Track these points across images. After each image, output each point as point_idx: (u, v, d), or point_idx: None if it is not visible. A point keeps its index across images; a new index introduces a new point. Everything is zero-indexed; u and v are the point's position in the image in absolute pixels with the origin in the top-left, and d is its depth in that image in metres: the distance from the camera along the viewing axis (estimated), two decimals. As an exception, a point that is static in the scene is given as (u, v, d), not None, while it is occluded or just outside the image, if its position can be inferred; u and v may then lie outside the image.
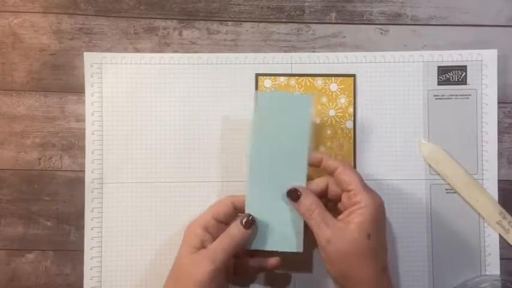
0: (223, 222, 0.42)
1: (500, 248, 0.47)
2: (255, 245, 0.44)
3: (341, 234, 0.38)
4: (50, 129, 0.48)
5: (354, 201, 0.40)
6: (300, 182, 0.43)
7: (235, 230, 0.41)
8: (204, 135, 0.48)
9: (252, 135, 0.43)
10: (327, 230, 0.39)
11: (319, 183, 0.43)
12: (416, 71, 0.48)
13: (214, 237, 0.41)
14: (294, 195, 0.41)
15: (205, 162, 0.48)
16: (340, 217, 0.40)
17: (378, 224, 0.40)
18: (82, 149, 0.48)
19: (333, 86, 0.48)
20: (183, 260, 0.40)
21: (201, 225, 0.41)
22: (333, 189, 0.42)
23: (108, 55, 0.48)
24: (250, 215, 0.42)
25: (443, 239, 0.48)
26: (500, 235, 0.47)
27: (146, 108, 0.48)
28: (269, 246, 0.44)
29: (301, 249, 0.43)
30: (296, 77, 0.49)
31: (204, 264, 0.39)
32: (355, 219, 0.39)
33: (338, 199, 0.42)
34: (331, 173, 0.42)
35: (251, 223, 0.41)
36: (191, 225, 0.42)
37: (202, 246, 0.40)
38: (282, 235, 0.44)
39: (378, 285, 0.39)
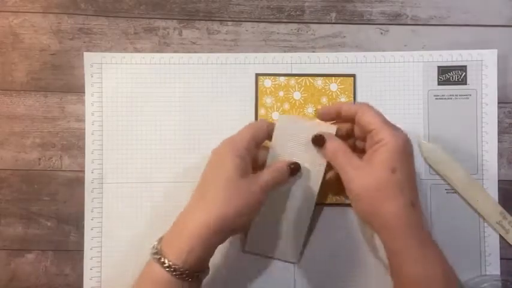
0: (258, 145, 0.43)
1: (500, 248, 0.47)
2: (254, 248, 0.45)
3: (365, 172, 0.39)
4: (50, 129, 0.48)
5: (376, 140, 0.40)
6: (312, 194, 0.44)
7: (283, 170, 0.42)
8: (203, 135, 0.48)
9: (269, 153, 0.44)
10: (351, 170, 0.39)
11: (343, 127, 0.44)
12: (416, 71, 0.48)
13: (251, 156, 0.41)
14: (319, 140, 0.42)
15: (205, 163, 0.48)
16: (365, 157, 0.41)
17: (403, 158, 0.39)
18: (82, 149, 0.48)
19: (333, 86, 0.48)
20: (233, 181, 0.39)
21: (244, 148, 0.41)
22: (358, 131, 0.43)
23: (108, 55, 0.48)
24: (296, 163, 0.43)
25: (443, 239, 0.47)
26: (500, 235, 0.47)
27: (146, 108, 0.48)
28: (268, 253, 0.46)
29: (297, 261, 0.46)
30: (296, 77, 0.49)
31: (257, 192, 0.39)
32: (378, 156, 0.39)
33: (365, 139, 0.43)
34: (352, 119, 0.43)
35: (295, 170, 0.43)
36: (233, 146, 0.41)
37: (245, 167, 0.40)
38: (283, 245, 0.45)
39: (407, 219, 0.38)
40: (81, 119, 0.48)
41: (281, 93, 0.48)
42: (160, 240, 0.39)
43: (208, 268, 0.40)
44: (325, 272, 0.47)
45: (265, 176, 0.41)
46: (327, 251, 0.47)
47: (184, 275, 0.37)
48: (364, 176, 0.39)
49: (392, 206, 0.38)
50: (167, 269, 0.36)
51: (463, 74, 0.48)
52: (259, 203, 0.40)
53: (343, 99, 0.48)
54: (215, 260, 0.46)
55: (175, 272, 0.36)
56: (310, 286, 0.47)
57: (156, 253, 0.38)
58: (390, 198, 0.38)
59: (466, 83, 0.48)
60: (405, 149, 0.39)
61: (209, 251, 0.38)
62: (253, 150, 0.42)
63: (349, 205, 0.47)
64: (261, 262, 0.47)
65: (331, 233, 0.47)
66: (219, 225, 0.37)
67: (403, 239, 0.38)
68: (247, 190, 0.39)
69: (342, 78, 0.48)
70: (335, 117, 0.44)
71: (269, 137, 0.44)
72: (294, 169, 0.43)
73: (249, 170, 0.40)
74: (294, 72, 0.49)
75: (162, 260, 0.37)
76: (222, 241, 0.39)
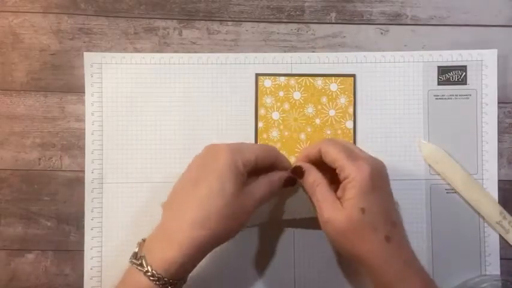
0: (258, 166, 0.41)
1: (500, 248, 0.47)
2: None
3: (337, 213, 0.38)
4: (50, 129, 0.48)
5: (343, 177, 0.39)
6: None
7: (277, 183, 0.41)
8: (204, 135, 0.48)
9: None
10: (326, 209, 0.38)
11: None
12: (416, 71, 0.48)
13: (247, 172, 0.40)
14: (298, 172, 0.41)
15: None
16: (338, 192, 0.39)
17: (372, 192, 0.37)
18: (82, 149, 0.48)
19: (333, 86, 0.48)
20: (231, 197, 0.37)
21: (244, 165, 0.38)
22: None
23: (108, 55, 0.48)
24: (292, 176, 0.42)
25: (443, 239, 0.48)
26: (500, 235, 0.47)
27: (146, 108, 0.48)
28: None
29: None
30: (296, 77, 0.49)
31: (249, 206, 0.38)
32: (347, 194, 0.38)
33: None
34: (320, 160, 0.41)
35: (291, 183, 0.42)
36: (237, 159, 0.38)
37: (243, 182, 0.39)
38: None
39: (383, 254, 0.37)
40: (81, 119, 0.48)
41: (281, 93, 0.48)
42: (140, 246, 0.38)
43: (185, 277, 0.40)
44: (325, 272, 0.47)
45: (262, 190, 0.39)
46: (327, 251, 0.47)
47: (167, 284, 0.36)
48: (337, 218, 0.38)
49: (367, 245, 0.37)
50: (151, 278, 0.36)
51: (463, 74, 0.48)
52: (250, 216, 0.39)
53: (343, 100, 0.48)
54: (215, 259, 0.46)
55: (159, 281, 0.36)
56: (310, 286, 0.47)
57: (140, 263, 0.37)
58: (364, 239, 0.37)
59: (466, 83, 0.48)
60: (373, 182, 0.37)
61: (197, 263, 0.38)
62: (252, 169, 0.40)
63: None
64: (261, 262, 0.47)
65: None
66: (210, 243, 0.37)
67: (381, 274, 0.37)
68: (241, 207, 0.38)
69: (342, 78, 0.48)
70: (312, 162, 0.42)
71: (278, 167, 0.42)
72: (288, 182, 0.41)
73: (243, 184, 0.38)
74: (294, 72, 0.49)
75: (147, 269, 0.36)
76: (209, 252, 0.39)
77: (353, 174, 0.37)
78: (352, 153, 0.39)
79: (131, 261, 0.37)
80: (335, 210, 0.38)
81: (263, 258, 0.47)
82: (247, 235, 0.47)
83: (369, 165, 0.38)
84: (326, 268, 0.47)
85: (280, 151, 0.48)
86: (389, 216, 0.38)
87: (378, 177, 0.38)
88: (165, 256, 0.36)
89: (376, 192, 0.38)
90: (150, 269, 0.36)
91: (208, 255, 0.39)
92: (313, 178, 0.40)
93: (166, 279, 0.36)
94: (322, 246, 0.47)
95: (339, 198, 0.39)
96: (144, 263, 0.36)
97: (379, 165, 0.39)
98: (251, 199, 0.39)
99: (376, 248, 0.37)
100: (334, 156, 0.39)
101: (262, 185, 0.40)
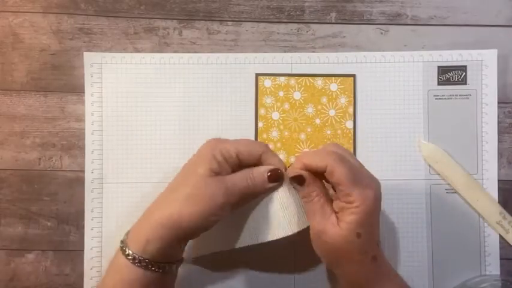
0: (242, 162, 0.40)
1: (500, 248, 0.47)
2: (246, 241, 0.41)
3: (330, 230, 0.37)
4: (50, 129, 0.48)
5: (345, 200, 0.38)
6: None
7: (259, 178, 0.39)
8: (204, 135, 0.48)
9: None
10: (320, 221, 0.38)
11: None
12: (416, 71, 0.48)
13: (230, 167, 0.39)
14: (299, 180, 0.39)
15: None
16: (334, 206, 0.39)
17: (370, 219, 0.38)
18: (82, 149, 0.48)
19: (333, 86, 0.48)
20: (200, 178, 0.38)
21: (222, 155, 0.39)
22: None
23: (108, 55, 0.48)
24: (279, 170, 0.40)
25: (443, 239, 0.48)
26: (500, 235, 0.47)
27: (146, 108, 0.48)
28: (262, 238, 0.41)
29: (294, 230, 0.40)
30: (296, 77, 0.49)
31: (218, 195, 0.38)
32: (347, 217, 0.37)
33: None
34: (322, 173, 0.39)
35: (276, 178, 0.40)
36: (215, 147, 0.39)
37: (218, 171, 0.39)
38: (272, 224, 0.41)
39: (368, 274, 0.38)
40: (81, 119, 0.48)
41: (281, 93, 0.48)
42: (128, 232, 0.40)
43: (178, 261, 0.40)
44: (324, 272, 0.47)
45: (236, 179, 0.39)
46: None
47: (144, 264, 0.37)
48: (329, 233, 0.37)
49: (354, 266, 0.38)
50: (128, 257, 0.37)
51: (463, 74, 0.48)
52: (220, 208, 0.38)
53: (343, 100, 0.48)
54: (214, 259, 0.46)
55: (135, 260, 0.37)
56: (311, 286, 0.47)
57: (121, 243, 0.39)
58: (353, 259, 0.38)
59: (466, 83, 0.48)
60: (374, 209, 0.38)
61: (168, 244, 0.38)
62: (234, 164, 0.40)
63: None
64: (261, 262, 0.47)
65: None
66: (172, 221, 0.37)
67: None
68: (209, 193, 0.37)
69: (342, 78, 0.48)
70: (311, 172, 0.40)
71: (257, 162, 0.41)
72: (273, 176, 0.40)
73: (218, 172, 0.38)
74: (294, 72, 0.49)
75: (125, 249, 0.38)
76: (183, 239, 0.39)
77: (357, 202, 0.37)
78: (357, 176, 0.38)
79: (120, 246, 0.39)
80: (330, 225, 0.38)
81: (263, 258, 0.47)
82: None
83: (372, 192, 0.38)
84: (326, 268, 0.47)
85: (280, 151, 0.48)
86: (377, 237, 0.39)
87: (378, 203, 0.39)
88: (140, 237, 0.38)
89: (373, 217, 0.38)
90: (127, 250, 0.38)
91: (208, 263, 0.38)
92: (313, 187, 0.39)
93: (141, 258, 0.37)
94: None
95: (335, 212, 0.38)
96: (124, 245, 0.38)
97: (379, 188, 0.39)
98: (223, 188, 0.38)
99: (363, 269, 0.38)
100: (339, 178, 0.37)
101: (239, 177, 0.39)
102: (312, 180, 0.39)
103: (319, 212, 0.38)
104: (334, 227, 0.38)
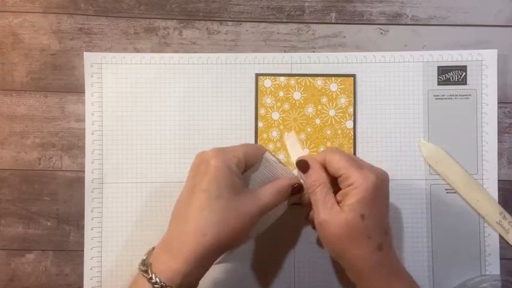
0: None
1: (500, 248, 0.47)
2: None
3: (334, 217, 0.38)
4: (50, 129, 0.48)
5: (347, 184, 0.39)
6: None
7: (286, 192, 0.41)
8: (204, 135, 0.48)
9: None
10: (323, 210, 0.38)
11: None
12: (416, 71, 0.48)
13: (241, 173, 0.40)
14: (303, 166, 0.41)
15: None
16: (337, 196, 0.40)
17: (374, 201, 0.38)
18: (82, 149, 0.48)
19: (333, 86, 0.48)
20: (234, 201, 0.38)
21: (236, 164, 0.39)
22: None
23: (108, 55, 0.48)
24: (299, 183, 0.42)
25: (443, 239, 0.48)
26: (500, 235, 0.47)
27: (146, 108, 0.48)
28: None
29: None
30: (296, 77, 0.49)
31: (255, 214, 0.38)
32: (349, 199, 0.38)
33: None
34: (324, 167, 0.41)
35: (298, 191, 0.42)
36: (224, 158, 0.39)
37: (239, 184, 0.39)
38: None
39: (373, 262, 0.38)
40: (81, 119, 0.48)
41: (281, 93, 0.48)
42: (149, 254, 0.38)
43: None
44: (325, 272, 0.48)
45: (267, 197, 0.39)
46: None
47: None
48: (334, 220, 0.38)
49: (359, 251, 0.38)
50: (155, 286, 0.36)
51: (463, 74, 0.48)
52: (253, 222, 0.38)
53: (343, 100, 0.48)
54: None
55: None
56: (311, 286, 0.47)
57: (146, 270, 0.37)
58: (357, 244, 0.37)
59: (466, 83, 0.48)
60: (376, 191, 0.38)
61: (205, 272, 0.38)
62: (242, 169, 0.40)
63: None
64: (261, 261, 0.47)
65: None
66: (214, 250, 0.37)
67: (369, 280, 0.38)
68: (242, 210, 0.38)
69: (342, 78, 0.48)
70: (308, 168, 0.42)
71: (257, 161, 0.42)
72: (296, 189, 0.42)
73: (241, 185, 0.39)
74: (294, 72, 0.49)
75: (154, 279, 0.36)
76: (216, 258, 0.38)
77: (358, 182, 0.38)
78: (358, 163, 0.40)
79: (139, 268, 0.38)
80: (334, 213, 0.38)
81: (263, 258, 0.47)
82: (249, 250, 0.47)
83: (374, 175, 0.38)
84: (326, 268, 0.47)
85: (280, 151, 0.48)
86: (383, 224, 0.39)
87: (381, 187, 0.39)
88: (169, 266, 0.36)
89: (377, 201, 0.38)
90: (154, 277, 0.36)
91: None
92: (317, 176, 0.40)
93: None
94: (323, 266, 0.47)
95: (338, 202, 0.39)
96: (149, 270, 0.37)
97: (383, 175, 0.40)
98: (254, 204, 0.39)
99: (368, 256, 0.38)
100: (340, 164, 0.39)
101: (269, 191, 0.40)
102: (317, 167, 0.41)
103: (322, 202, 0.39)
104: (338, 212, 0.38)
